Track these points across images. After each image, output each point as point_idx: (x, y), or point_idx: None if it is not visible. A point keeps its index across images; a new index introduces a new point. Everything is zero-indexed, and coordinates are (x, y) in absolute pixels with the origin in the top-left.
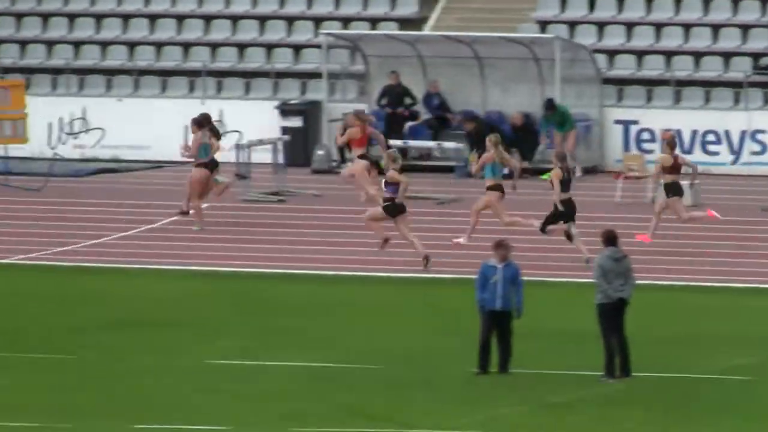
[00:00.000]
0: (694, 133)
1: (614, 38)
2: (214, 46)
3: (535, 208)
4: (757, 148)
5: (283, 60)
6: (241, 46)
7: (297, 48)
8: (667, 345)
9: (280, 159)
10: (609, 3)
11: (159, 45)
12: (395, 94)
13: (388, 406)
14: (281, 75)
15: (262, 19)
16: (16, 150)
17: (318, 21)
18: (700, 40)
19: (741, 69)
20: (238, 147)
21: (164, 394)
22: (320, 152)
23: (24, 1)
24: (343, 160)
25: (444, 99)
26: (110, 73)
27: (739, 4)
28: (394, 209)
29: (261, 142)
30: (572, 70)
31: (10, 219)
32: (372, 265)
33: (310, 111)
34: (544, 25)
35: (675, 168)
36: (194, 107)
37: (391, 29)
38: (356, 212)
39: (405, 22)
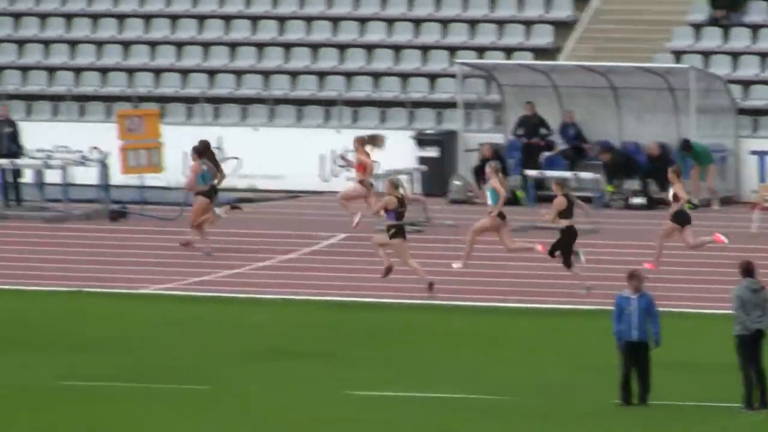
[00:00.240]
0: None
1: (749, 68)
2: (349, 75)
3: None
4: None
5: (418, 89)
6: (376, 75)
7: (432, 77)
8: None
9: (417, 189)
10: (743, 33)
11: (294, 74)
12: (531, 124)
13: None
14: (416, 104)
15: (397, 48)
16: (151, 179)
17: (453, 50)
18: None
19: None
20: (375, 177)
21: (302, 424)
22: (457, 182)
23: (157, 29)
24: (479, 189)
25: (580, 129)
26: (245, 102)
27: None
28: (397, 233)
29: (397, 173)
30: (707, 101)
31: (147, 249)
32: (504, 295)
33: (446, 141)
34: (678, 55)
35: None
36: (329, 137)
37: (525, 59)
38: (488, 242)
39: (540, 52)
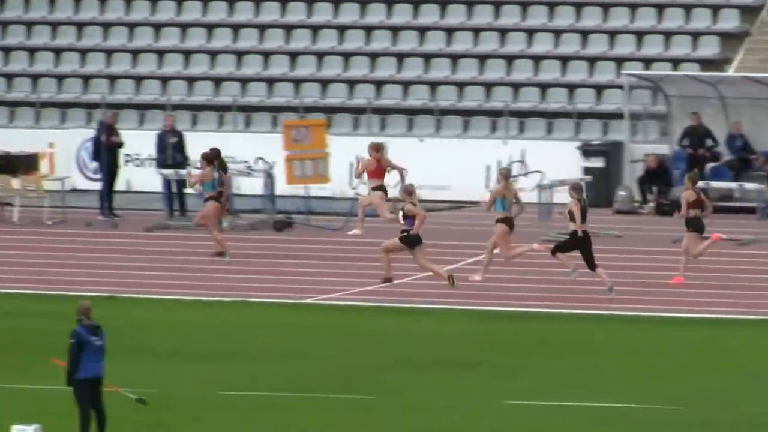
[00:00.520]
0: None
1: None
2: (516, 86)
3: None
4: None
5: (584, 100)
6: (543, 86)
7: (599, 88)
8: None
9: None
10: None
11: (461, 85)
12: (696, 135)
13: None
14: (583, 115)
15: (564, 60)
16: (317, 189)
17: (619, 61)
18: None
19: None
20: (540, 188)
21: None
22: (622, 193)
23: (325, 40)
24: (645, 200)
25: (747, 140)
26: (412, 113)
27: None
28: (410, 240)
29: (563, 183)
30: None
31: (311, 258)
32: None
33: (611, 151)
34: None
35: None
36: (496, 147)
37: (692, 70)
38: (656, 253)
39: (706, 63)
